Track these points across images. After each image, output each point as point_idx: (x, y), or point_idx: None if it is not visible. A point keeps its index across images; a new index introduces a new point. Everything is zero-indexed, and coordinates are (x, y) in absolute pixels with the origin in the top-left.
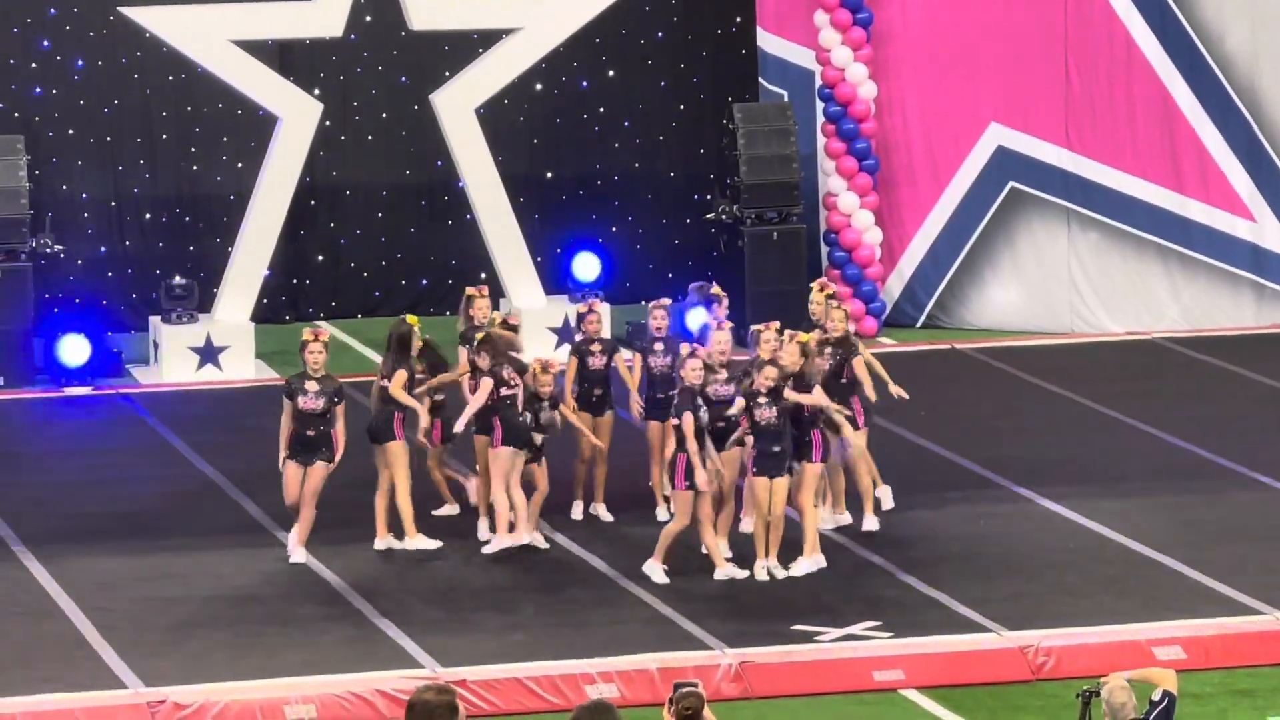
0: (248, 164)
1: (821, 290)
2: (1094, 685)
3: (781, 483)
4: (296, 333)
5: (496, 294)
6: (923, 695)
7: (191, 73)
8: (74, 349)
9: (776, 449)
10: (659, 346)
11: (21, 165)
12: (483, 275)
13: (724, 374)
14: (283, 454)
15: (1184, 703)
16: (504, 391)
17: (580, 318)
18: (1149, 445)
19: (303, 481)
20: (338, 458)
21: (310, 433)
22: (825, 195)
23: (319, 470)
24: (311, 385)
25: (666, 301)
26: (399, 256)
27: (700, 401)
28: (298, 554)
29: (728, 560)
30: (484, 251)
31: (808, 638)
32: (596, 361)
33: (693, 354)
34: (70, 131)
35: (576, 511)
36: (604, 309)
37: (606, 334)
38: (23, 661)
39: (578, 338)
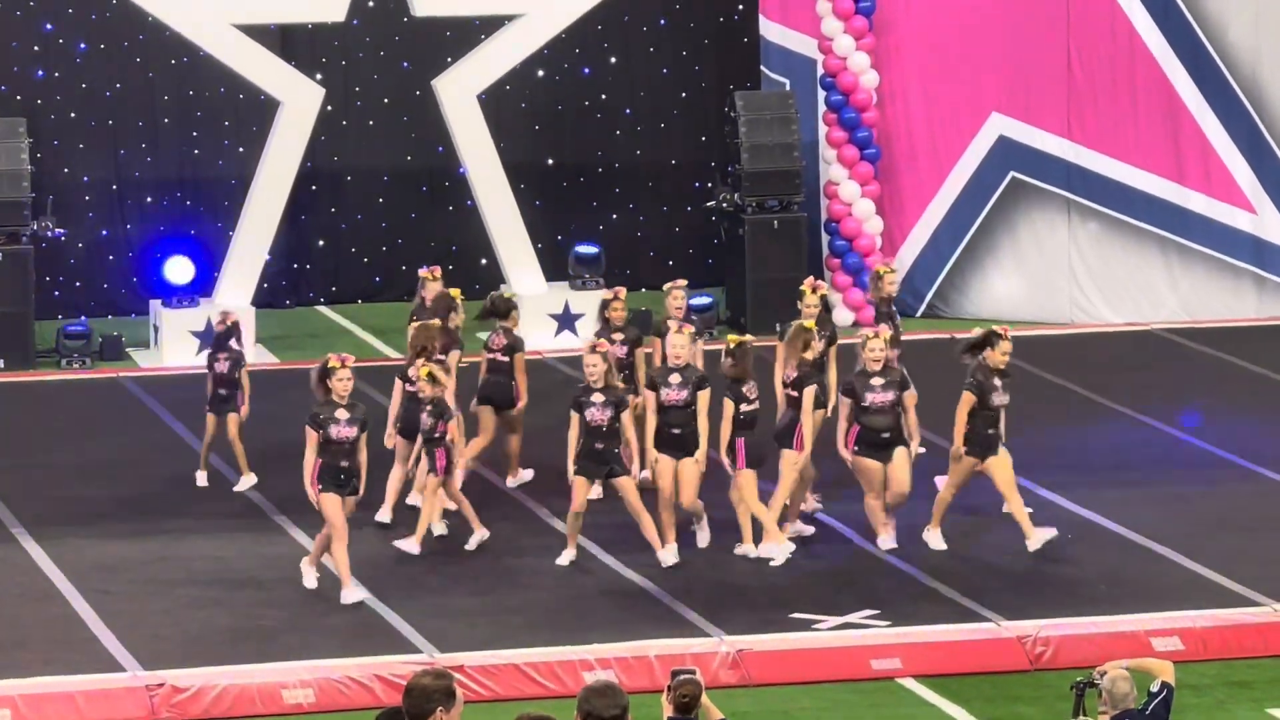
0: (249, 148)
1: (815, 292)
2: (1087, 676)
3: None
4: (298, 317)
5: (497, 279)
6: (920, 684)
7: (194, 56)
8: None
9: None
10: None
11: (23, 148)
12: (483, 261)
13: (678, 378)
14: (314, 489)
15: (1182, 694)
16: (407, 388)
17: (604, 305)
18: (1147, 436)
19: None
20: (362, 489)
21: (344, 463)
22: (826, 184)
23: (349, 505)
24: (342, 414)
25: (683, 282)
26: (400, 242)
27: (600, 399)
28: (356, 591)
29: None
30: (485, 238)
31: (806, 626)
32: (617, 352)
33: (593, 349)
34: (72, 115)
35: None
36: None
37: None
38: (22, 644)
39: (595, 329)
